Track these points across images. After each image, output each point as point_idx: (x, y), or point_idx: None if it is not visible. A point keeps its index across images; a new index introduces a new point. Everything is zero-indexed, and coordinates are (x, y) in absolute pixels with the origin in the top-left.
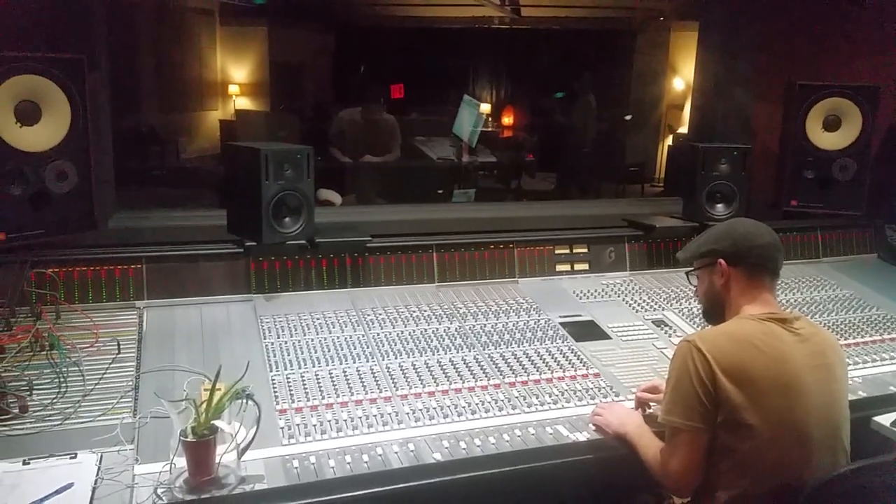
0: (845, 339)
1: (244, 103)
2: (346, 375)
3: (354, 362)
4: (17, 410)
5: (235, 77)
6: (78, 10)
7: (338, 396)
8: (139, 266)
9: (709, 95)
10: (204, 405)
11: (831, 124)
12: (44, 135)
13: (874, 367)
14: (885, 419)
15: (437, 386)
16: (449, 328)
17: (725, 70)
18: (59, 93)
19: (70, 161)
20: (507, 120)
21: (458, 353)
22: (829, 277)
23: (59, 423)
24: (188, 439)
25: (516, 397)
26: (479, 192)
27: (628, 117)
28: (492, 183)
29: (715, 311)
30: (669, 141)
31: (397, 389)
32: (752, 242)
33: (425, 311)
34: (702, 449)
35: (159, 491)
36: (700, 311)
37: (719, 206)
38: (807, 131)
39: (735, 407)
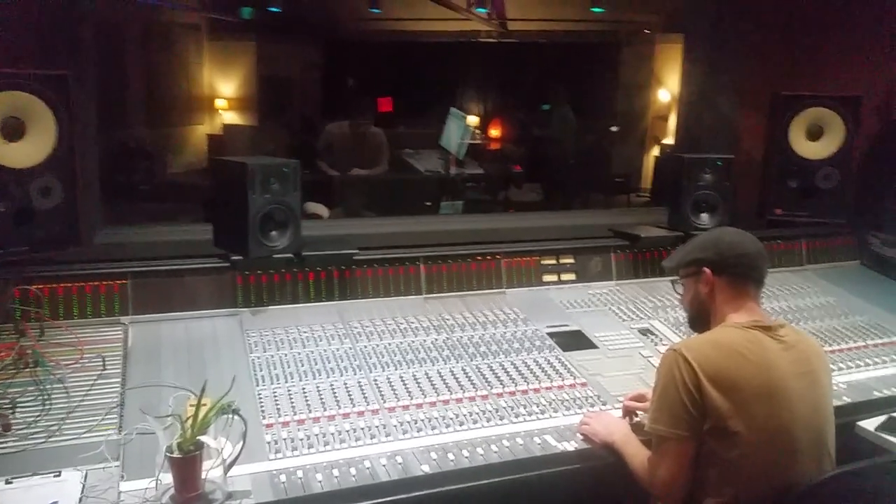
0: (830, 345)
1: (232, 117)
2: (333, 389)
3: (342, 375)
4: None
5: (223, 91)
6: (63, 26)
7: (325, 410)
8: (124, 282)
9: (694, 106)
10: (189, 421)
11: (814, 134)
12: (29, 151)
13: (858, 372)
14: (869, 424)
15: (425, 398)
16: (437, 340)
17: (710, 81)
18: (44, 109)
19: (55, 177)
20: (495, 132)
21: (445, 364)
22: (813, 285)
23: (43, 440)
24: (174, 455)
25: (504, 408)
26: (468, 203)
27: (614, 128)
28: (480, 194)
29: (700, 319)
30: (655, 152)
31: (385, 402)
32: (736, 252)
33: (413, 323)
34: (689, 457)
35: None
36: (686, 319)
37: (704, 215)
38: (790, 141)
39: (721, 415)
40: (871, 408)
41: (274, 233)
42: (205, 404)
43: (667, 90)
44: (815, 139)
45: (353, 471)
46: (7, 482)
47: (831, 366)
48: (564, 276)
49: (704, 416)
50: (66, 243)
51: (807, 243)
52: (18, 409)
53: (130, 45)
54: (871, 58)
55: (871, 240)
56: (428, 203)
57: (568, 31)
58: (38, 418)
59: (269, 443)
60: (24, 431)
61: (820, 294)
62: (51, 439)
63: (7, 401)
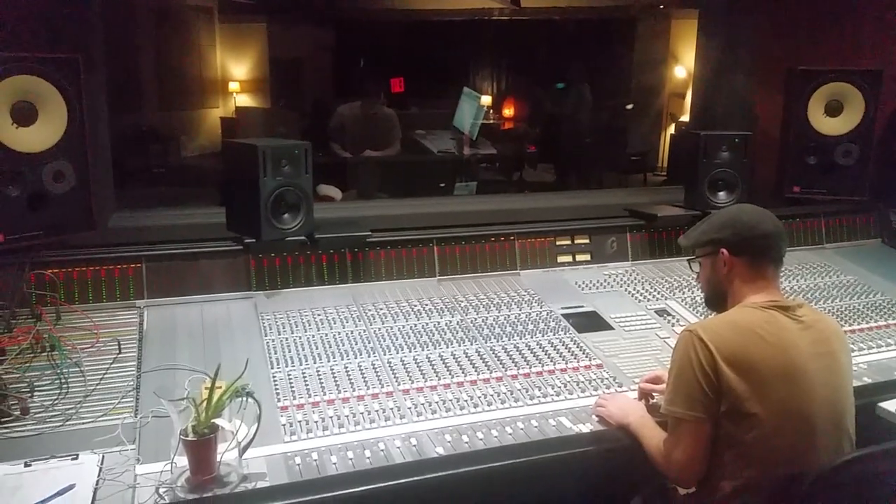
0: (850, 325)
1: (244, 100)
2: (347, 371)
3: (356, 357)
4: (18, 412)
5: (235, 74)
6: (73, 9)
7: (339, 392)
8: (139, 265)
9: (709, 83)
10: (204, 404)
11: (833, 109)
12: (41, 135)
13: (879, 352)
14: (890, 405)
15: (439, 380)
16: (450, 321)
17: (726, 57)
18: (55, 93)
19: (67, 161)
20: (508, 112)
21: (459, 346)
22: (832, 263)
23: (60, 424)
24: (189, 438)
25: (519, 390)
26: (482, 184)
27: (630, 106)
28: (494, 175)
29: (717, 298)
30: (672, 129)
31: (399, 384)
32: (755, 232)
33: (426, 304)
34: (705, 439)
35: (161, 490)
36: (702, 298)
37: (721, 193)
38: (809, 117)
39: (738, 396)
40: (892, 388)
41: (286, 215)
42: (219, 387)
43: (683, 66)
44: (835, 115)
45: (367, 453)
46: (26, 465)
47: (852, 346)
48: (579, 257)
49: (721, 397)
50: (80, 227)
51: (826, 221)
52: (36, 393)
53: (144, 28)
54: (891, 31)
55: (893, 217)
56: (442, 184)
57: (581, 8)
58: (56, 402)
59: (283, 425)
60: (42, 415)
61: (840, 273)
62: (68, 423)
63: (25, 385)
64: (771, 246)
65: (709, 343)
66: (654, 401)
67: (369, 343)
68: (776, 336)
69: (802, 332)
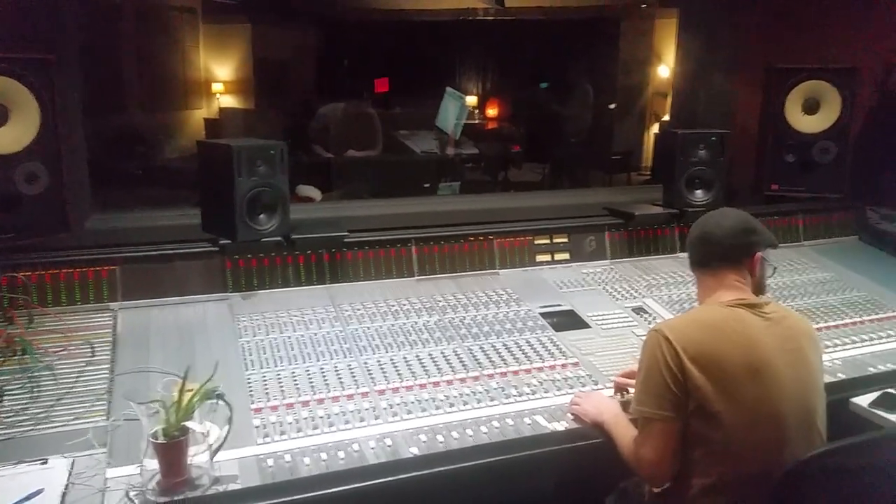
0: (825, 321)
1: (229, 101)
2: (323, 372)
3: (332, 359)
4: None
5: (219, 75)
6: (46, 9)
7: (314, 393)
8: (113, 267)
9: (689, 82)
10: (174, 406)
11: (811, 107)
12: (12, 136)
13: (854, 348)
14: (863, 400)
15: (416, 380)
16: (428, 322)
17: (705, 56)
18: (26, 93)
19: (41, 162)
20: (493, 111)
21: (437, 346)
22: (810, 261)
23: (30, 428)
24: (158, 441)
25: (495, 389)
26: (466, 184)
27: (612, 106)
28: (479, 175)
29: None
30: (656, 129)
31: (375, 385)
32: (705, 242)
33: (405, 305)
34: (674, 438)
35: (131, 494)
36: (680, 297)
37: (699, 192)
38: (786, 115)
39: (705, 395)
40: (865, 384)
41: (262, 216)
42: (190, 390)
43: (666, 66)
44: (812, 113)
45: (341, 454)
46: None
47: (827, 342)
48: (558, 256)
49: (688, 396)
50: (54, 229)
51: (804, 219)
52: (6, 397)
53: (127, 29)
54: (868, 29)
55: (870, 214)
56: (426, 185)
57: (565, 8)
58: (27, 406)
59: (257, 427)
60: (12, 419)
61: (817, 270)
62: (38, 427)
63: None
64: (719, 251)
65: (674, 342)
66: (630, 395)
67: (346, 344)
68: (741, 333)
69: (769, 329)
